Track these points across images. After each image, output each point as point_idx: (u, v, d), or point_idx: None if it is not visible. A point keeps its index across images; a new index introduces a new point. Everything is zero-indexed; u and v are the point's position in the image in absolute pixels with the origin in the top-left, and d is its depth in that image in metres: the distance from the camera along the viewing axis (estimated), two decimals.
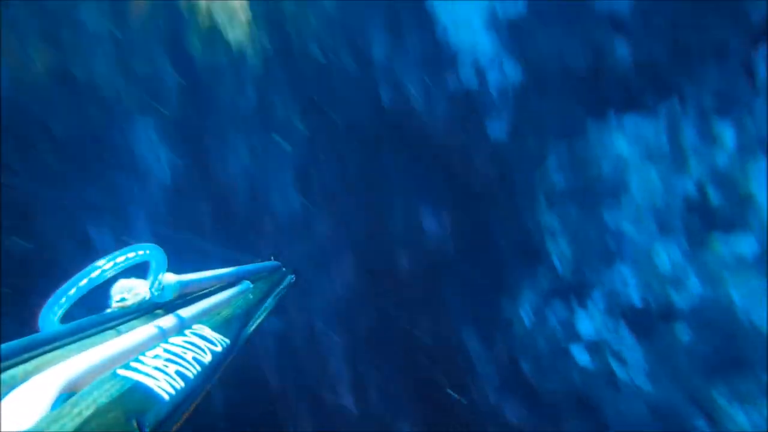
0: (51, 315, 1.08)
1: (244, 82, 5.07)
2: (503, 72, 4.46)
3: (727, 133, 4.33)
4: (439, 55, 4.67)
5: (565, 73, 4.46)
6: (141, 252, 1.18)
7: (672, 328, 4.62)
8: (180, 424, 1.01)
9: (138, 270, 1.28)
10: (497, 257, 5.06)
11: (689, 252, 4.46)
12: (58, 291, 1.08)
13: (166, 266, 1.30)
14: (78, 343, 1.03)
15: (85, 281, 1.09)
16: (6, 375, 0.84)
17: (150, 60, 5.05)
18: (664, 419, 4.55)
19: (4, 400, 0.79)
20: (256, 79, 5.07)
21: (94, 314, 1.16)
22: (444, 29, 4.53)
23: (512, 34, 4.39)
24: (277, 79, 5.00)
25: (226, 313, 1.59)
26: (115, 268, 1.13)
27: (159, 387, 0.95)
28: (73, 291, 1.09)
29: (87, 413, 0.80)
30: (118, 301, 1.24)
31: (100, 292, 1.25)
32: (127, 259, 1.15)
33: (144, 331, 1.20)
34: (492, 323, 5.04)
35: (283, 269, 3.04)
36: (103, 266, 1.11)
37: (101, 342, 1.07)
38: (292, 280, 3.12)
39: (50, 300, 1.08)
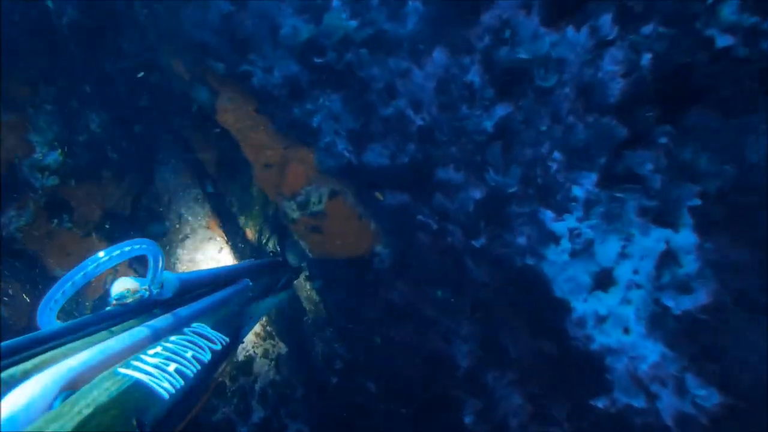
0: (49, 311, 1.08)
1: None
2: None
3: None
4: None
5: None
6: (137, 246, 1.18)
7: None
8: (184, 424, 1.01)
9: (137, 269, 1.28)
10: None
11: None
12: (55, 286, 1.08)
13: (164, 263, 1.29)
14: (77, 342, 1.03)
15: (81, 275, 1.09)
16: (5, 374, 0.84)
17: None
18: None
19: (4, 399, 0.79)
20: None
21: (93, 312, 1.16)
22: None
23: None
24: None
25: (225, 311, 1.59)
26: (111, 262, 1.13)
27: (159, 385, 0.95)
28: (70, 285, 1.09)
29: (86, 412, 0.80)
30: (118, 299, 1.24)
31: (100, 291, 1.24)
32: (122, 253, 1.15)
33: (144, 329, 1.20)
34: None
35: (284, 267, 3.03)
36: (100, 260, 1.10)
37: (101, 340, 1.07)
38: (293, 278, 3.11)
39: (47, 295, 1.08)
